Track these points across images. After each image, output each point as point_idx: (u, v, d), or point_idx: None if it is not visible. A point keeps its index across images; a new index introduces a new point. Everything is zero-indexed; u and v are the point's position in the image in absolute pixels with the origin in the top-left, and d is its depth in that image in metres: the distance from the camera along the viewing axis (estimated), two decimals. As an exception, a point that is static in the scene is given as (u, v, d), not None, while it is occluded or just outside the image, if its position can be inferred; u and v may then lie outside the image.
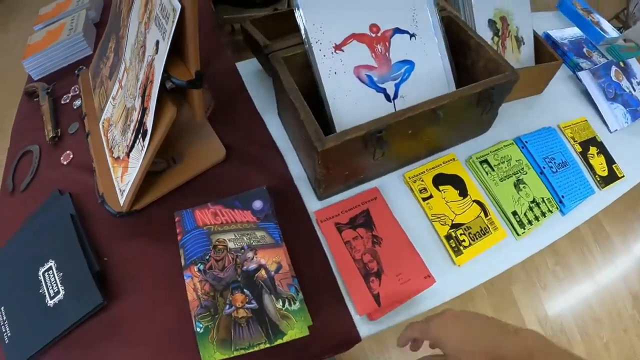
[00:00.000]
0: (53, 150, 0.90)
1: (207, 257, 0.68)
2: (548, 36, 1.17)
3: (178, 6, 0.58)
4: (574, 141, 0.95)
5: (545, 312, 1.54)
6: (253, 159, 0.83)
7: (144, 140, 0.70)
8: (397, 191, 0.79)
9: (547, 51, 0.97)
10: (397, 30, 0.76)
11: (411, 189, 0.79)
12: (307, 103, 0.66)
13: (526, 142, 0.88)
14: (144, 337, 0.66)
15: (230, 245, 0.69)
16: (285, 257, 0.67)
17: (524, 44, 0.97)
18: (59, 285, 0.71)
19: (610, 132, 1.00)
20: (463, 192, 0.79)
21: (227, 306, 0.64)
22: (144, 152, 0.71)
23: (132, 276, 0.72)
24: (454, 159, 0.83)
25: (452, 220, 0.76)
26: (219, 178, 0.81)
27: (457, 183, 0.80)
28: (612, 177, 0.91)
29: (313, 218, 0.75)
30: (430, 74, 0.78)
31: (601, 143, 0.97)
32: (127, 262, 0.74)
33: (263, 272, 0.66)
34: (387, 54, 0.74)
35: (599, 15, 1.34)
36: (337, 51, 0.71)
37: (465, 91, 0.70)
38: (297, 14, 0.69)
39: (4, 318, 0.70)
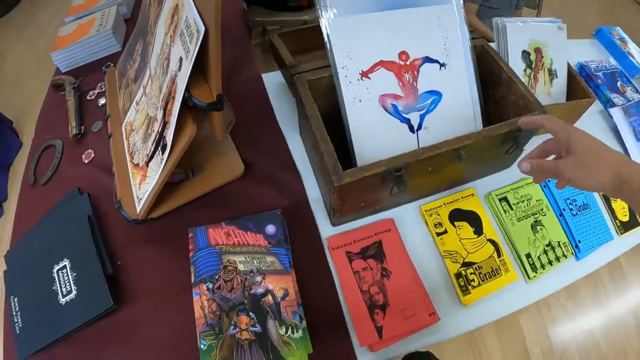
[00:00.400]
0: (75, 146, 0.92)
1: (217, 277, 0.69)
2: (582, 68, 1.13)
3: (202, 28, 0.58)
4: (599, 182, 0.92)
5: (551, 345, 1.52)
6: (271, 178, 0.82)
7: (163, 153, 0.71)
8: (411, 223, 0.78)
9: (580, 86, 0.94)
10: (427, 59, 0.74)
11: (426, 222, 0.78)
12: (330, 125, 0.66)
13: (549, 180, 0.86)
14: (149, 345, 0.67)
15: (240, 267, 0.69)
16: (293, 285, 0.68)
17: (556, 77, 0.94)
18: (72, 284, 0.73)
19: (638, 174, 0.97)
20: (478, 230, 0.78)
21: (232, 327, 0.65)
22: (162, 166, 0.72)
23: (143, 283, 0.73)
24: (472, 195, 0.82)
25: (464, 259, 0.75)
26: (235, 194, 0.81)
27: (474, 220, 0.79)
28: (633, 223, 0.89)
29: (325, 244, 0.75)
30: (458, 106, 0.76)
31: (627, 186, 0.94)
32: (139, 268, 0.75)
33: (270, 297, 0.67)
34: (414, 83, 0.73)
35: (636, 46, 1.29)
36: (363, 78, 0.70)
37: (491, 131, 0.68)
38: (325, 39, 0.68)
39: (17, 309, 0.73)
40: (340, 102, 0.69)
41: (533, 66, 0.91)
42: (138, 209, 0.78)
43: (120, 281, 0.74)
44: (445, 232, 0.77)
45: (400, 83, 0.72)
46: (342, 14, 0.68)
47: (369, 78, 0.70)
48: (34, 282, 0.75)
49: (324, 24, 0.68)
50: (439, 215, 0.78)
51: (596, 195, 0.90)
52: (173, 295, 0.70)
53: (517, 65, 0.88)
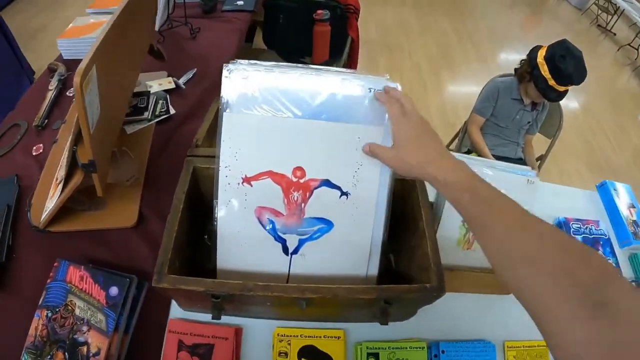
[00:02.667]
0: (34, 135, 0.99)
1: (57, 310, 0.73)
2: (560, 225, 0.98)
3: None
4: (513, 368, 0.79)
5: None
6: (155, 237, 0.83)
7: (62, 184, 0.75)
8: (259, 341, 0.73)
9: None
10: (326, 183, 0.66)
11: (273, 346, 0.72)
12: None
13: (443, 351, 0.76)
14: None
15: (77, 311, 0.72)
16: (105, 348, 0.69)
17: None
18: (-27, 257, 0.81)
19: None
20: (325, 376, 0.71)
21: (49, 357, 0.70)
22: (59, 195, 0.76)
23: (23, 282, 0.80)
24: (339, 338, 0.73)
25: (291, 400, 0.69)
26: (122, 242, 0.84)
27: (325, 364, 0.72)
28: None
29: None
30: (350, 242, 0.69)
31: (550, 381, 0.80)
32: (27, 268, 0.82)
33: (85, 349, 0.70)
34: (302, 205, 0.67)
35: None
36: (244, 184, 0.64)
37: (350, 292, 0.60)
38: (218, 129, 0.64)
39: None
40: (214, 201, 0.66)
41: (478, 219, 0.79)
42: (41, 218, 0.83)
43: (8, 271, 0.81)
44: (287, 363, 0.71)
45: (286, 200, 0.66)
46: (242, 108, 0.64)
47: (251, 185, 0.65)
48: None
49: (222, 110, 0.63)
50: (289, 344, 0.72)
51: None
52: (36, 303, 0.74)
53: (453, 214, 0.76)
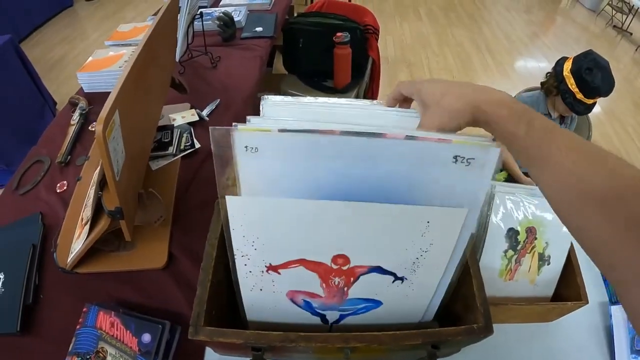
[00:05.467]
0: (57, 172, 0.98)
1: (88, 357, 0.70)
2: None
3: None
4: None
5: None
6: (186, 278, 0.81)
7: (89, 226, 0.74)
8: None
9: (574, 281, 0.76)
10: (377, 270, 0.53)
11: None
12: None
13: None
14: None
15: (109, 359, 0.70)
16: None
17: (548, 264, 0.78)
18: (-1, 297, 0.80)
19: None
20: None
21: None
22: (85, 237, 0.75)
23: (52, 325, 0.78)
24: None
25: None
26: (153, 283, 0.81)
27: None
28: None
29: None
30: (401, 311, 0.61)
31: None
32: (55, 309, 0.80)
33: None
34: (345, 288, 0.56)
35: None
36: (269, 272, 0.53)
37: (395, 338, 0.56)
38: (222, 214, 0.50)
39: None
40: (235, 285, 0.57)
41: (519, 248, 0.76)
42: (68, 260, 0.81)
43: (36, 313, 0.80)
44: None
45: (324, 285, 0.55)
46: (256, 192, 0.49)
47: (279, 273, 0.53)
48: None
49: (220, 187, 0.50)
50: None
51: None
52: (65, 346, 0.72)
53: (495, 245, 0.75)
